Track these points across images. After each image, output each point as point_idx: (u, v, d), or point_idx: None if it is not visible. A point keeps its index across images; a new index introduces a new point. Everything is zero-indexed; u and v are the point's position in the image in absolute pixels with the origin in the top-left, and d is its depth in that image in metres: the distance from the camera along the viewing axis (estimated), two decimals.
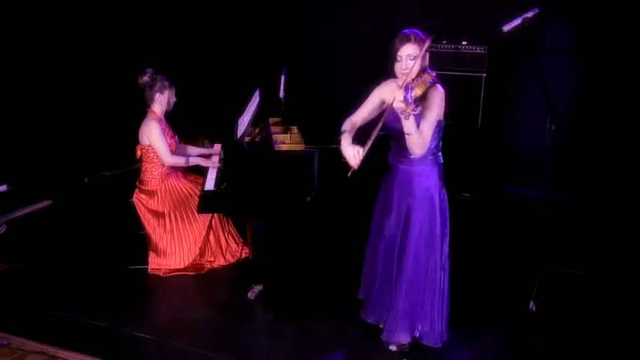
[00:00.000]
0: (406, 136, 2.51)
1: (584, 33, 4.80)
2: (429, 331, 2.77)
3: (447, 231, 2.76)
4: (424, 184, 2.70)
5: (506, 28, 2.77)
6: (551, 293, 3.38)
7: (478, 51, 4.74)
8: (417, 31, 2.58)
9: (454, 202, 2.86)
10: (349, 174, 2.53)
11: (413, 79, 2.53)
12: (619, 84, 4.74)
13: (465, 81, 4.72)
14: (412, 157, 2.67)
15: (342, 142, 2.60)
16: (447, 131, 2.68)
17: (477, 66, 4.75)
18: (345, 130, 2.66)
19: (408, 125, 2.46)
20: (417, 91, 2.46)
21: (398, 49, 2.56)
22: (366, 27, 5.34)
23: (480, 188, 4.89)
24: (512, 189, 5.06)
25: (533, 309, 2.94)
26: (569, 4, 4.65)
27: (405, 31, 2.58)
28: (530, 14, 2.72)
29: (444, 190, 2.75)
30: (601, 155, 4.86)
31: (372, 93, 2.77)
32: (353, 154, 2.52)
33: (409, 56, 2.55)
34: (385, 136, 2.72)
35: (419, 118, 2.52)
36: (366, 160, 2.52)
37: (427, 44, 2.52)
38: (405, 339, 2.79)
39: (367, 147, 2.51)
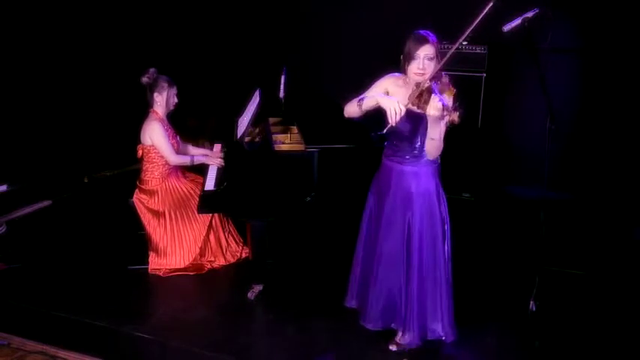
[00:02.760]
0: (429, 140, 2.51)
1: (584, 32, 4.80)
2: (441, 330, 2.78)
3: (448, 229, 2.76)
4: (424, 184, 2.70)
5: (507, 28, 2.77)
6: (551, 293, 3.38)
7: (478, 51, 4.74)
8: (431, 33, 2.56)
9: (454, 202, 2.86)
10: (385, 130, 2.39)
11: (430, 81, 2.47)
12: (619, 84, 4.74)
13: (465, 81, 4.71)
14: (408, 157, 2.68)
15: (375, 96, 2.49)
16: (447, 131, 2.68)
17: (477, 66, 4.75)
18: (364, 96, 2.57)
19: (436, 130, 2.45)
20: (447, 98, 2.40)
21: (416, 49, 2.51)
22: (366, 27, 5.34)
23: (480, 188, 4.89)
24: (512, 189, 5.06)
25: (534, 309, 2.94)
26: (569, 4, 4.65)
27: (421, 31, 2.55)
28: (530, 14, 2.72)
29: (442, 189, 2.76)
30: (601, 155, 4.86)
31: (376, 83, 2.69)
32: (394, 107, 2.36)
33: (427, 56, 2.51)
34: (381, 136, 2.70)
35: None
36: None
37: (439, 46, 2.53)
38: (417, 342, 2.78)
39: (409, 105, 2.42)
